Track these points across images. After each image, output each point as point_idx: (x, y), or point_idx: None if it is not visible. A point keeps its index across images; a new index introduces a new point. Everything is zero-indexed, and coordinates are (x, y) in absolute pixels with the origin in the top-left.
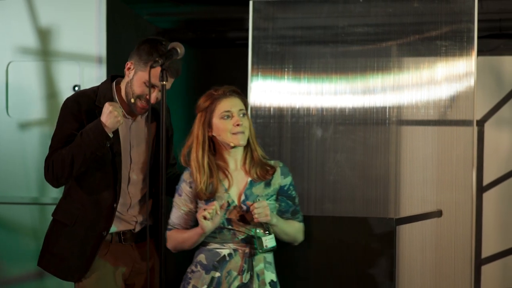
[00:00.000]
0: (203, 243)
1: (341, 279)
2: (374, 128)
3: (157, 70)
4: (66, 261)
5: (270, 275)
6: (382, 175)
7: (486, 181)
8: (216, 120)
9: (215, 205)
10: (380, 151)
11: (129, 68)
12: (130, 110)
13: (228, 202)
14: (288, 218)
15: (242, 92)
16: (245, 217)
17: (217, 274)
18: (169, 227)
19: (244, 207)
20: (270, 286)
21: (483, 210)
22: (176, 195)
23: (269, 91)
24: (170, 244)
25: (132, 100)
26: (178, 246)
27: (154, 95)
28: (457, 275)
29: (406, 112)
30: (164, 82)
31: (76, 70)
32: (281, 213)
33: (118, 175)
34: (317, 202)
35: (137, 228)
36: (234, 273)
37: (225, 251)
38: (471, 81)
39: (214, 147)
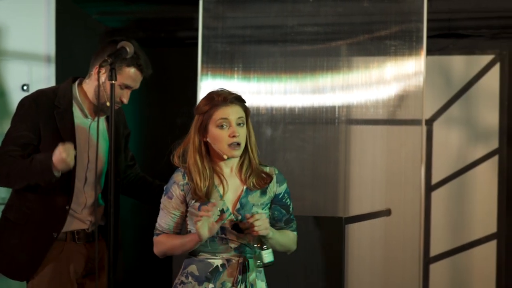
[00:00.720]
0: (193, 253)
1: (290, 277)
2: (323, 127)
3: (133, 72)
4: (15, 260)
5: (261, 284)
6: (331, 174)
7: (434, 180)
8: (212, 128)
9: (216, 205)
10: (329, 150)
11: (99, 72)
12: (93, 111)
13: (222, 209)
14: (281, 227)
15: (193, 91)
16: (239, 226)
17: (211, 286)
18: (157, 231)
19: (239, 216)
20: None
21: (432, 208)
22: (165, 198)
23: None
24: (158, 250)
25: (108, 104)
26: (168, 253)
27: (127, 96)
28: (405, 273)
29: (356, 111)
30: (113, 81)
31: (25, 69)
32: (274, 222)
33: (73, 175)
34: None
35: (91, 228)
36: (228, 284)
37: (217, 262)
38: (420, 81)
39: (209, 151)
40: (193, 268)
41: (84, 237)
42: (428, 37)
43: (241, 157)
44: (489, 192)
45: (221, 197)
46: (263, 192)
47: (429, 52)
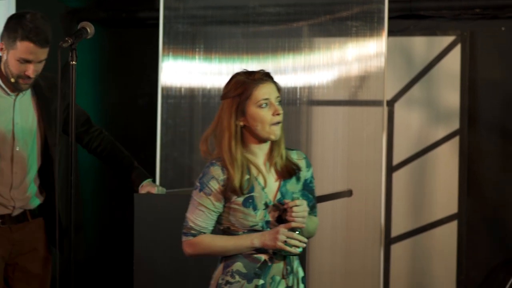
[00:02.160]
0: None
1: None
2: (285, 108)
3: (26, 45)
4: None
5: (301, 272)
6: None
7: (396, 161)
8: (252, 109)
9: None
10: (291, 131)
11: (1, 49)
12: (13, 88)
13: (266, 202)
14: (308, 213)
15: (154, 72)
16: (282, 217)
17: (261, 282)
18: (193, 232)
19: (282, 207)
20: (302, 283)
21: (393, 189)
22: (202, 194)
23: (180, 71)
24: (195, 251)
25: (12, 80)
26: (211, 254)
27: (32, 69)
28: (367, 254)
29: (317, 93)
30: (73, 62)
31: None
32: None
33: None
34: None
35: (15, 212)
36: (278, 278)
37: (264, 256)
38: (381, 62)
39: (242, 137)
40: (238, 265)
41: (9, 220)
42: (389, 18)
43: (271, 142)
44: (450, 173)
45: (263, 189)
46: (298, 179)
47: (391, 33)
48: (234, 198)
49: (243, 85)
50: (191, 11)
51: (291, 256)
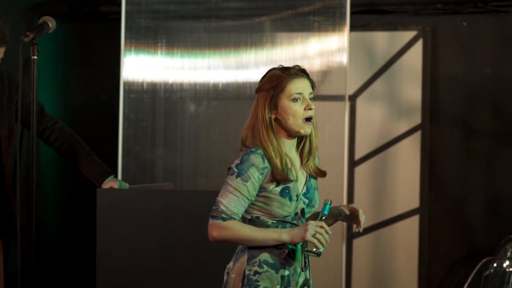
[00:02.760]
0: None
1: (216, 252)
2: (247, 103)
3: None
4: None
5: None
6: None
7: (358, 155)
8: (284, 102)
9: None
10: None
11: None
12: None
13: (297, 194)
14: None
15: (116, 67)
16: (304, 211)
17: (286, 272)
18: (223, 215)
19: (307, 200)
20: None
21: (355, 184)
22: (239, 180)
23: (142, 66)
24: (222, 236)
25: None
26: (236, 241)
27: None
28: (329, 248)
29: None
30: (35, 57)
31: None
32: None
33: None
34: (190, 176)
35: None
36: (298, 270)
37: (288, 248)
38: (343, 57)
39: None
40: (266, 256)
41: None
42: (351, 13)
43: (302, 138)
44: (411, 168)
45: (295, 181)
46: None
47: (353, 28)
48: (271, 187)
49: (278, 78)
50: (153, 6)
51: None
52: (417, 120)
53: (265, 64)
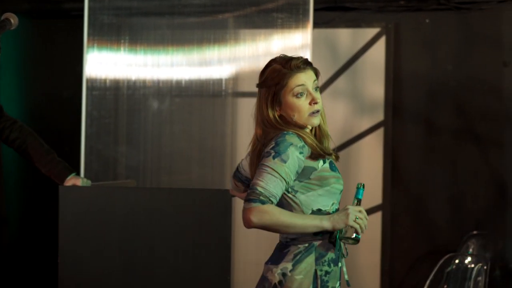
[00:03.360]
0: (323, 235)
1: (179, 251)
2: (210, 100)
3: None
4: None
5: None
6: (218, 147)
7: None
8: (288, 98)
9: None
10: (216, 123)
11: None
12: None
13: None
14: None
15: (79, 64)
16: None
17: (341, 264)
18: (263, 198)
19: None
20: None
21: None
22: (277, 161)
23: (105, 63)
24: (262, 221)
25: None
26: (274, 227)
27: None
28: None
29: (242, 84)
30: None
31: None
32: None
33: None
34: (153, 174)
35: None
36: (343, 259)
37: (332, 239)
38: (307, 53)
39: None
40: (331, 255)
41: None
42: (314, 10)
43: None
44: (374, 164)
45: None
46: None
47: (316, 25)
48: (320, 165)
49: (279, 74)
50: (116, 3)
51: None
52: (380, 116)
53: (228, 61)
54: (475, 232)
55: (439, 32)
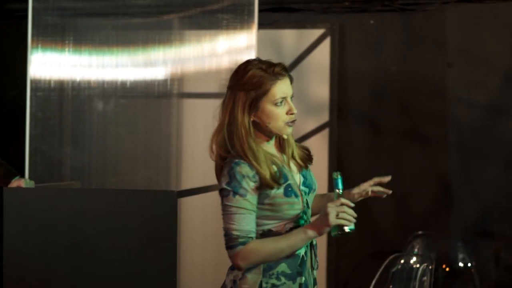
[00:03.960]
0: None
1: (124, 252)
2: (155, 101)
3: None
4: None
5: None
6: (163, 148)
7: None
8: (266, 105)
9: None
10: (161, 124)
11: None
12: None
13: (299, 188)
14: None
15: (23, 65)
16: (308, 201)
17: (303, 279)
18: (241, 240)
19: (307, 190)
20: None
21: None
22: (237, 198)
23: (49, 64)
24: (251, 261)
25: None
26: (266, 260)
27: None
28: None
29: (188, 85)
30: None
31: None
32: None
33: None
34: (98, 175)
35: None
36: (310, 271)
37: (302, 251)
38: (252, 54)
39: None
40: (283, 267)
41: None
42: (259, 11)
43: (277, 138)
44: (319, 165)
45: (293, 177)
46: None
47: (261, 26)
48: (273, 192)
49: (260, 79)
50: (60, 3)
51: (316, 248)
52: (325, 117)
53: (173, 62)
54: (420, 232)
55: (384, 33)
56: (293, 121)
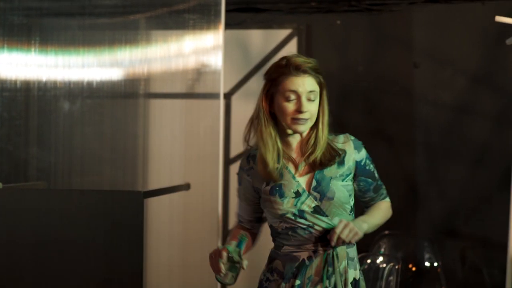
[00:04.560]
0: (276, 246)
1: (90, 253)
2: (122, 101)
3: None
4: None
5: (353, 273)
6: (130, 149)
7: (233, 153)
8: (278, 98)
9: (224, 256)
10: (128, 124)
11: None
12: None
13: (298, 191)
14: (371, 197)
15: None
16: (320, 207)
17: (298, 282)
18: (239, 223)
19: (318, 195)
20: (351, 286)
21: (230, 182)
22: (238, 186)
23: (15, 64)
24: None
25: None
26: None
27: None
28: (204, 246)
29: (154, 85)
30: None
31: None
32: (362, 194)
33: None
34: (64, 175)
35: None
36: (316, 279)
37: (303, 255)
38: (218, 55)
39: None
40: (277, 263)
41: None
42: (226, 11)
43: (308, 133)
44: None
45: (294, 177)
46: (341, 162)
47: (228, 26)
48: (263, 187)
49: (277, 72)
50: (26, 3)
51: (336, 257)
52: None
53: (139, 62)
54: (386, 232)
55: (351, 33)
56: (302, 119)
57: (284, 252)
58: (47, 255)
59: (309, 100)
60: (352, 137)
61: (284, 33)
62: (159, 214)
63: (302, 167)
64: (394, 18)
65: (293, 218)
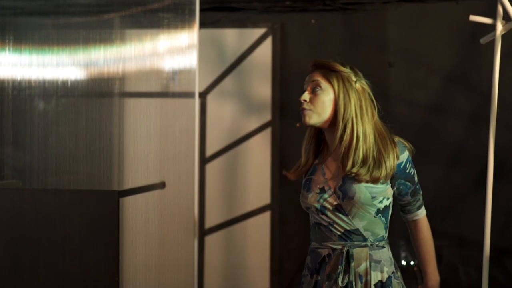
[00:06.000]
0: (310, 242)
1: (66, 252)
2: (97, 100)
3: None
4: None
5: (378, 276)
6: (105, 148)
7: (209, 152)
8: None
9: None
10: (103, 124)
11: None
12: None
13: (324, 187)
14: (409, 202)
15: None
16: (342, 206)
17: (319, 278)
18: None
19: (341, 194)
20: (374, 286)
21: (206, 181)
22: None
23: None
24: None
25: None
26: None
27: None
28: (181, 245)
29: (129, 84)
30: None
31: None
32: (400, 197)
33: None
34: (40, 175)
35: None
36: (334, 276)
37: (324, 251)
38: (193, 54)
39: None
40: (308, 259)
41: None
42: (201, 10)
43: (334, 133)
44: (262, 164)
45: (324, 174)
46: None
47: (202, 25)
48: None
49: None
50: (0, 2)
51: (355, 256)
52: (267, 117)
53: (114, 61)
54: None
55: (325, 32)
56: (303, 109)
57: (311, 248)
58: (21, 255)
59: (313, 92)
60: (395, 138)
61: (258, 32)
62: (135, 213)
63: (332, 165)
64: (369, 17)
65: (315, 213)
